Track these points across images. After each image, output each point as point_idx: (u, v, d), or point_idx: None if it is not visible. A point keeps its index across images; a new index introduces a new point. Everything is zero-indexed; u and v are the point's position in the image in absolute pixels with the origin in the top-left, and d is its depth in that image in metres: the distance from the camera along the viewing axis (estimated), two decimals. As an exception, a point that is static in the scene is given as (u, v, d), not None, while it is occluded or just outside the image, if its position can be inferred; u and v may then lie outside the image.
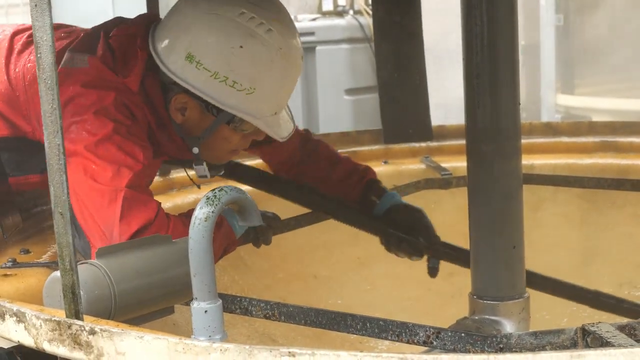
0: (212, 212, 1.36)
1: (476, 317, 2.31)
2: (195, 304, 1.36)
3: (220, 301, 1.37)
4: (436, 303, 3.05)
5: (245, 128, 2.05)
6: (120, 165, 1.85)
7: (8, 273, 1.86)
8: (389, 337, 1.63)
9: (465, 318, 2.32)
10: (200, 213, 1.36)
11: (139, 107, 2.00)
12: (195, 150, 2.06)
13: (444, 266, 3.20)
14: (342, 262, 3.18)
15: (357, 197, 2.52)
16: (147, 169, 1.96)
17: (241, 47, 1.93)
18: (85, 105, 1.91)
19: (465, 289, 2.35)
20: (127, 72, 1.99)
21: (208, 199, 1.37)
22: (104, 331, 1.17)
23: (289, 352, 1.07)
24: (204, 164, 2.10)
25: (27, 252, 2.04)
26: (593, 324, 1.52)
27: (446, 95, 5.91)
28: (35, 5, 1.21)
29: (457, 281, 3.04)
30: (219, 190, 1.39)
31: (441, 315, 2.24)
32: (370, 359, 1.05)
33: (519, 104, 2.27)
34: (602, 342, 1.50)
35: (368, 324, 1.65)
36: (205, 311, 1.36)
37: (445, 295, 3.01)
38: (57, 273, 1.50)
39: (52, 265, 1.91)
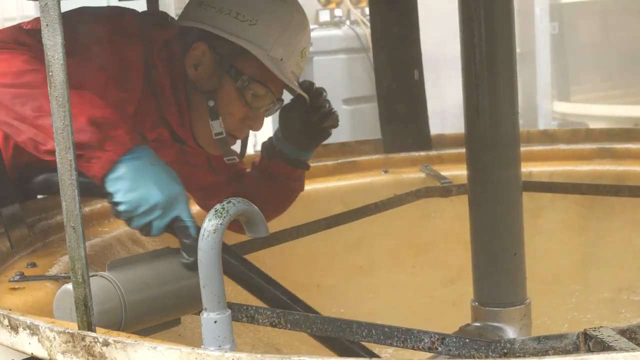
0: (221, 224, 1.39)
1: (478, 324, 2.34)
2: (205, 315, 1.39)
3: (230, 311, 1.40)
4: (438, 310, 3.08)
5: (250, 91, 2.11)
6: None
7: (16, 287, 1.87)
8: (394, 344, 1.66)
9: (468, 325, 2.35)
10: (209, 225, 1.38)
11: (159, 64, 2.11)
12: (212, 102, 2.12)
13: (445, 273, 3.24)
14: (345, 271, 3.20)
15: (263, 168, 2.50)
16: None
17: None
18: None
19: (467, 295, 2.38)
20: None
21: (216, 211, 1.40)
22: (117, 342, 1.20)
23: (300, 360, 1.10)
24: (220, 119, 2.12)
25: (34, 265, 2.05)
26: (595, 328, 1.54)
27: (443, 103, 5.95)
28: (47, 25, 1.24)
29: (458, 288, 3.08)
30: (227, 203, 1.42)
31: (444, 323, 2.26)
32: (380, 366, 1.07)
33: (518, 112, 2.30)
34: (603, 347, 1.52)
35: (373, 331, 1.67)
36: (215, 321, 1.38)
37: (447, 303, 3.04)
38: (67, 286, 1.53)
39: (59, 278, 1.93)
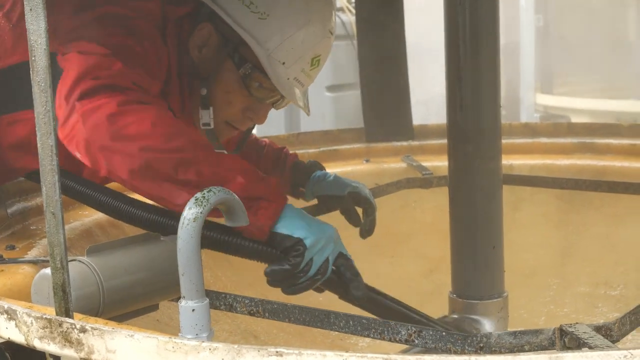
0: (201, 212, 1.38)
1: (456, 316, 2.35)
2: (183, 303, 1.39)
3: (207, 300, 1.40)
4: (416, 300, 3.07)
5: (254, 81, 1.99)
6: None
7: (-6, 269, 1.87)
8: (372, 335, 1.66)
9: (445, 316, 2.37)
10: (189, 214, 1.38)
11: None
12: (204, 91, 2.02)
13: (424, 264, 3.25)
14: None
15: (288, 185, 2.49)
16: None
17: None
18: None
19: (445, 286, 2.39)
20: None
21: (197, 199, 1.39)
22: (94, 329, 1.20)
23: (277, 352, 1.10)
24: (210, 109, 2.02)
25: (13, 247, 2.04)
26: (570, 324, 1.56)
27: (427, 92, 5.95)
28: (30, 10, 1.23)
29: (437, 279, 3.09)
30: (207, 191, 1.41)
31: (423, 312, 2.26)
32: (356, 359, 1.08)
33: (500, 105, 2.31)
34: (579, 343, 1.54)
35: (351, 322, 1.68)
36: (193, 310, 1.38)
37: (426, 293, 3.05)
38: (46, 270, 1.52)
39: (38, 261, 1.93)
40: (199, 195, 1.40)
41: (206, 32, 2.00)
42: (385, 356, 1.09)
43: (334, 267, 1.80)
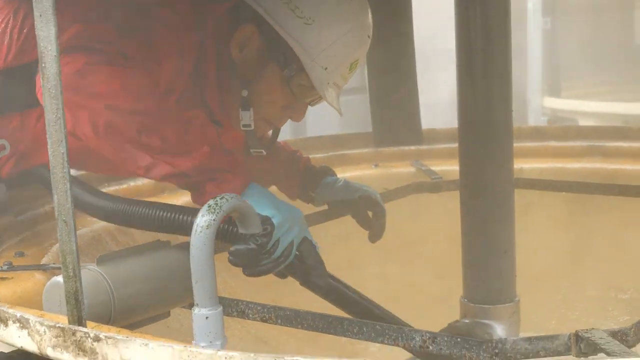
0: (214, 220, 1.37)
1: (467, 321, 2.33)
2: (196, 310, 1.38)
3: (221, 307, 1.39)
4: (427, 305, 3.07)
5: (297, 81, 2.00)
6: None
7: (4, 276, 1.86)
8: (385, 341, 1.65)
9: (457, 321, 2.35)
10: (202, 221, 1.37)
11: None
12: (245, 92, 2.01)
13: (434, 268, 3.23)
14: (333, 264, 3.18)
15: (299, 189, 2.49)
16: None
17: None
18: None
19: (456, 291, 2.37)
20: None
21: (210, 206, 1.38)
22: (108, 338, 1.19)
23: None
24: (251, 110, 2.02)
25: (22, 254, 2.04)
26: (586, 330, 1.55)
27: (435, 96, 5.93)
28: (40, 16, 1.22)
29: (447, 284, 3.07)
30: (220, 198, 1.40)
31: (432, 318, 2.25)
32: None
33: (512, 109, 2.29)
34: (595, 348, 1.52)
35: (364, 328, 1.67)
36: (207, 317, 1.37)
37: (436, 298, 3.03)
38: (57, 278, 1.52)
39: (49, 268, 1.92)
40: (211, 202, 1.39)
41: (248, 33, 2.00)
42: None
43: (297, 252, 1.76)
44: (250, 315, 1.75)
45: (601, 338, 1.52)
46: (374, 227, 2.46)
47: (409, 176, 3.23)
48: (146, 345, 1.16)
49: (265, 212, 1.67)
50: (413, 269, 3.23)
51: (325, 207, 2.52)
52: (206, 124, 1.98)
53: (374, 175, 3.28)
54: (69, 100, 1.69)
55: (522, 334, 2.32)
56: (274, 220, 1.67)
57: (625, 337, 1.59)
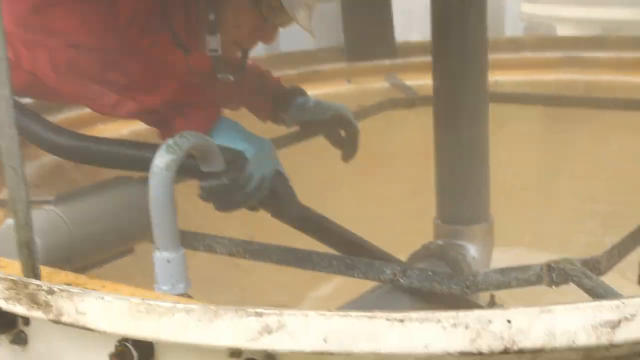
0: (173, 160, 1.32)
1: (440, 242, 2.30)
2: (157, 254, 1.34)
3: (183, 250, 1.35)
4: (402, 224, 3.06)
5: (266, 1, 1.95)
6: None
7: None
8: (355, 275, 1.62)
9: (431, 243, 2.32)
10: (161, 161, 1.31)
11: None
12: (212, 16, 1.95)
13: (408, 186, 3.20)
14: (308, 185, 3.14)
15: (269, 111, 2.45)
16: None
17: None
18: None
19: (430, 208, 2.34)
20: None
21: (169, 146, 1.33)
22: (62, 291, 1.14)
23: (256, 312, 1.04)
24: (218, 35, 1.97)
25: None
26: (558, 260, 1.52)
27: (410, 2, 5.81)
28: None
29: (422, 201, 3.04)
30: (179, 137, 1.34)
31: (407, 239, 2.23)
32: (339, 318, 1.03)
33: (486, 20, 2.22)
34: (566, 278, 1.50)
35: (334, 262, 1.63)
36: (168, 261, 1.33)
37: (411, 216, 3.01)
38: (12, 220, 1.45)
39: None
40: (170, 142, 1.33)
41: None
42: (370, 314, 1.03)
43: (269, 185, 1.74)
44: (218, 250, 1.70)
45: (573, 268, 1.49)
46: (347, 146, 2.43)
47: (382, 92, 3.17)
48: (102, 298, 1.11)
49: (237, 147, 1.63)
50: (387, 187, 3.20)
51: (297, 128, 2.47)
52: (170, 52, 1.93)
53: (348, 91, 3.21)
54: (27, 39, 1.61)
55: (496, 252, 2.32)
56: (247, 155, 1.64)
57: (597, 264, 1.57)
